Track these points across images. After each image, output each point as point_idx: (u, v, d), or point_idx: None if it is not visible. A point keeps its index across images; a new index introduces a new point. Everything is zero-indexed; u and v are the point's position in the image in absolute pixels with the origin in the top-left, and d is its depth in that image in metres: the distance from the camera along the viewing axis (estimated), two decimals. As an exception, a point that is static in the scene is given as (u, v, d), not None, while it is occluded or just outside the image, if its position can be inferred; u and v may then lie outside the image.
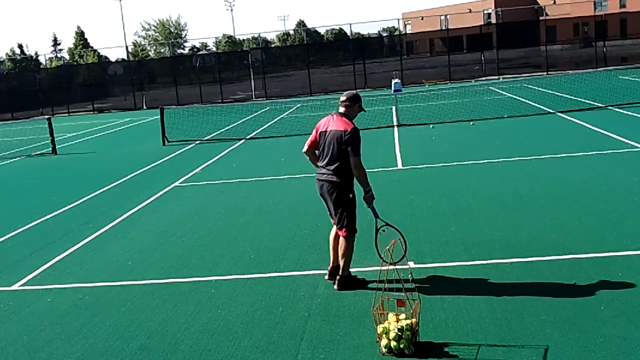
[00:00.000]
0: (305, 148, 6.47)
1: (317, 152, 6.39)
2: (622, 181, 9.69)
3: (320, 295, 6.15)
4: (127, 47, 67.89)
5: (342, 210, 6.14)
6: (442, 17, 63.35)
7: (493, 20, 63.72)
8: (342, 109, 6.30)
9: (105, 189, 12.82)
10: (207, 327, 5.66)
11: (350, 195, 6.17)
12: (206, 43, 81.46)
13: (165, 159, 16.40)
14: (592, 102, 19.71)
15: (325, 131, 6.24)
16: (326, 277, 6.50)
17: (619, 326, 4.99)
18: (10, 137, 25.47)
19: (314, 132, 6.40)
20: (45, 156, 19.35)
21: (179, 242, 8.48)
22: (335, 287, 6.28)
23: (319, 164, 6.32)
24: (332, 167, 6.13)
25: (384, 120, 19.84)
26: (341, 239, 6.24)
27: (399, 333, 4.79)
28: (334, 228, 6.36)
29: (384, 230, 6.17)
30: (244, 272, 7.03)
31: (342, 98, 6.33)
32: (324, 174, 6.22)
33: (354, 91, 6.55)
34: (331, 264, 6.51)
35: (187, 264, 7.52)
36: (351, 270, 6.46)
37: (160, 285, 6.89)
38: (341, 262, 6.28)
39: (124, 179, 13.75)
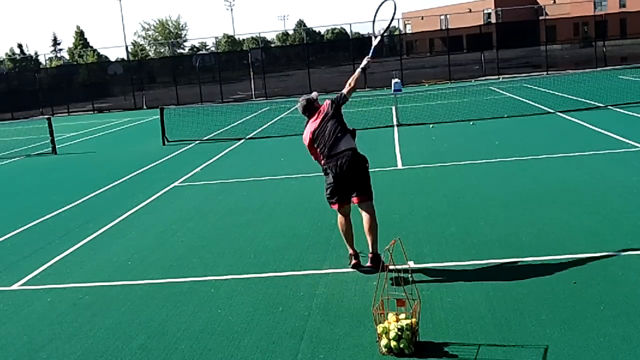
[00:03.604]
0: (315, 157, 6.74)
1: (320, 148, 6.58)
2: (622, 181, 9.68)
3: (320, 295, 6.15)
4: (127, 47, 67.95)
5: (367, 179, 6.55)
6: (442, 17, 63.28)
7: (493, 20, 63.73)
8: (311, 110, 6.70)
9: (105, 188, 12.82)
10: (207, 327, 5.66)
11: (367, 165, 6.59)
12: (206, 43, 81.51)
13: (165, 159, 16.39)
14: (592, 102, 19.71)
15: (316, 129, 6.54)
16: (350, 266, 6.63)
17: (619, 326, 4.99)
18: (10, 137, 25.46)
19: (308, 147, 6.68)
20: (45, 156, 19.35)
21: (179, 242, 8.48)
22: (369, 264, 6.53)
23: (332, 151, 6.49)
24: (349, 143, 6.49)
25: (384, 120, 19.84)
26: (371, 214, 6.49)
27: (399, 333, 4.79)
28: (341, 217, 6.59)
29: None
30: (243, 272, 7.03)
31: (307, 112, 6.71)
32: (344, 152, 6.45)
33: (306, 99, 6.77)
34: (353, 251, 6.66)
35: (187, 263, 7.52)
36: (349, 270, 6.64)
37: (160, 285, 6.89)
38: (373, 237, 6.50)
39: (124, 179, 13.75)
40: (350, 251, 6.69)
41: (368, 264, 6.58)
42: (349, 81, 6.79)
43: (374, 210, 6.57)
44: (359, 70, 6.88)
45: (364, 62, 6.99)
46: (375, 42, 7.18)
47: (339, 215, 6.64)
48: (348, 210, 6.63)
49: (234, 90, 43.79)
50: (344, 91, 6.71)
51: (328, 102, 6.71)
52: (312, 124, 6.64)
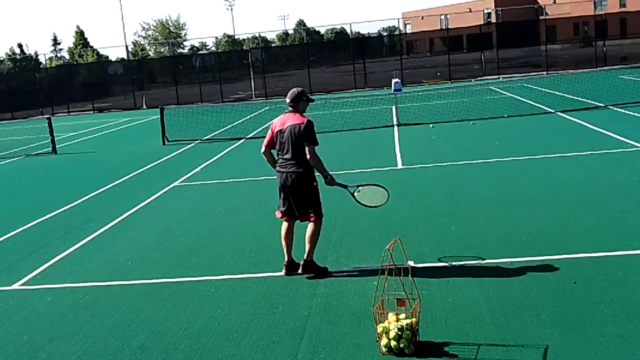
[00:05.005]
0: (263, 149, 6.85)
1: (276, 149, 6.76)
2: (622, 181, 9.68)
3: (320, 294, 6.15)
4: (127, 47, 67.94)
5: (308, 198, 6.61)
6: (442, 17, 63.37)
7: (493, 20, 63.71)
8: (291, 109, 6.70)
9: (105, 188, 12.82)
10: (207, 327, 5.66)
11: (315, 184, 6.64)
12: (206, 43, 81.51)
13: (165, 158, 16.39)
14: (592, 102, 19.71)
15: (282, 129, 6.65)
16: (283, 271, 6.74)
17: (619, 326, 4.99)
18: (10, 137, 25.45)
19: (269, 132, 6.80)
20: (45, 156, 19.35)
21: (179, 242, 8.48)
22: (300, 271, 6.65)
23: (281, 158, 6.70)
24: (295, 160, 6.54)
25: (384, 120, 19.85)
26: (310, 225, 6.64)
27: (399, 332, 4.79)
28: (285, 224, 6.75)
29: (358, 191, 6.66)
30: (244, 272, 7.03)
31: (288, 100, 6.73)
32: (287, 166, 6.61)
33: (295, 89, 6.78)
34: (287, 259, 6.76)
35: (187, 263, 7.52)
36: (354, 267, 6.68)
37: (160, 284, 6.90)
38: (308, 247, 6.63)
39: (123, 179, 13.75)
40: (287, 258, 6.76)
41: (299, 270, 6.67)
42: (315, 162, 6.53)
43: (320, 224, 6.67)
44: (326, 174, 6.58)
45: (332, 182, 6.63)
46: (349, 189, 6.76)
47: (283, 223, 6.81)
48: (292, 222, 6.79)
49: (234, 90, 43.79)
50: (310, 155, 6.50)
51: (310, 123, 6.55)
52: (283, 122, 6.64)
